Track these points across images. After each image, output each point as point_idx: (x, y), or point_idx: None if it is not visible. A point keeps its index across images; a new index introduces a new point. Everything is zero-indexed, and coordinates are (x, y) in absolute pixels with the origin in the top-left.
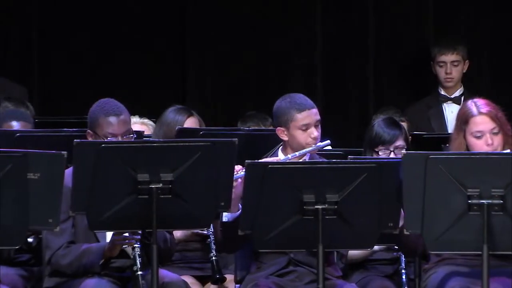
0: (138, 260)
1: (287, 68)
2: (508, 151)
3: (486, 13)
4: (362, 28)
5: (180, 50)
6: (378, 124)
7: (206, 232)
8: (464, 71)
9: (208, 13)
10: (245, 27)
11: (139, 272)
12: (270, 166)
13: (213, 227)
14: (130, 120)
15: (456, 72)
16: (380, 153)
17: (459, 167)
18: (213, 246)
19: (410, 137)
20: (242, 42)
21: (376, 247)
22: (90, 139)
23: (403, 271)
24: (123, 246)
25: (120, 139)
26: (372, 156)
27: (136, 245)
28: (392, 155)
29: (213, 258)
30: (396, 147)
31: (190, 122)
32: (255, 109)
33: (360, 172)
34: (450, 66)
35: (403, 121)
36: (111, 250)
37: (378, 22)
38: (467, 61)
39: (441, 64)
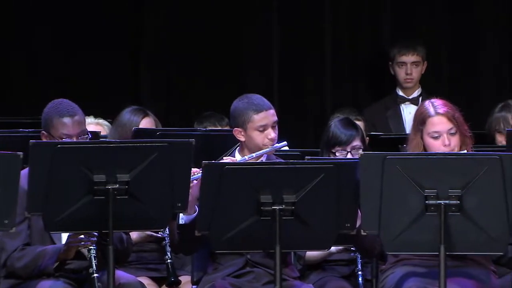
0: (94, 262)
1: (244, 69)
2: (465, 151)
3: (442, 13)
4: (319, 28)
5: (134, 50)
6: (335, 124)
7: (161, 235)
8: (423, 72)
9: (163, 13)
10: (200, 26)
11: (95, 275)
12: (227, 166)
13: (169, 228)
14: (84, 121)
15: (416, 73)
16: (337, 153)
17: (416, 168)
18: (168, 249)
19: (367, 137)
20: (197, 42)
21: (333, 248)
22: (44, 140)
23: (359, 272)
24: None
25: (75, 139)
26: (329, 156)
27: (92, 247)
28: (349, 156)
29: (168, 261)
30: (353, 148)
31: (146, 123)
32: (211, 109)
33: (317, 172)
34: (411, 66)
35: (359, 121)
36: (66, 252)
37: (335, 22)
38: (425, 62)
39: (401, 64)
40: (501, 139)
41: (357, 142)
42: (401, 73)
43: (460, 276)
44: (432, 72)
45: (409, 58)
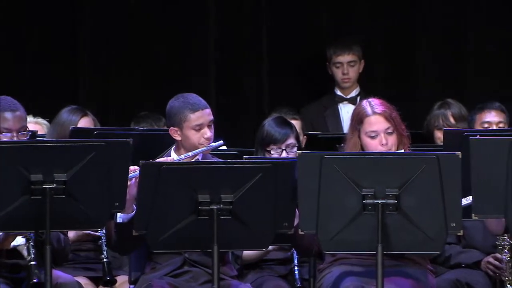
0: (32, 251)
1: (181, 68)
2: (402, 151)
3: (380, 12)
4: (257, 28)
5: (72, 50)
6: (269, 123)
7: (98, 233)
8: (360, 71)
9: (100, 14)
10: (137, 27)
11: (32, 262)
12: (164, 166)
13: (106, 228)
14: (26, 117)
15: (352, 73)
16: (272, 152)
17: (353, 167)
18: (105, 248)
19: (305, 136)
20: (133, 43)
21: (270, 247)
22: None
23: (296, 268)
24: (17, 245)
25: (15, 135)
26: (264, 155)
27: (30, 236)
28: (284, 154)
29: (104, 260)
30: (288, 146)
31: (84, 122)
32: (148, 109)
33: (255, 172)
34: (347, 66)
35: (296, 120)
36: (3, 242)
37: (272, 22)
38: (362, 61)
39: (338, 65)
40: (440, 136)
41: (291, 140)
42: (338, 73)
43: (397, 276)
44: (370, 72)
45: (345, 58)
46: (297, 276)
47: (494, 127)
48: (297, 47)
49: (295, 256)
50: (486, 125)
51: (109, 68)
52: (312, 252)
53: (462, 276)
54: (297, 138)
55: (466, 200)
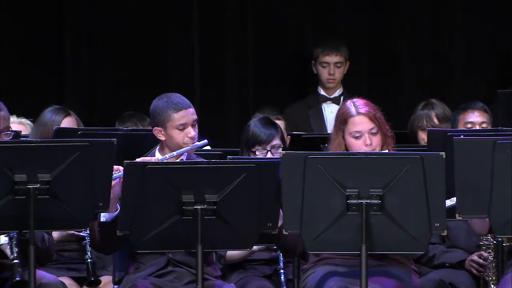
0: (15, 250)
1: (165, 68)
2: (387, 151)
3: (363, 12)
4: (241, 28)
5: (57, 50)
6: (254, 124)
7: (82, 234)
8: (345, 72)
9: (85, 13)
10: (122, 26)
11: (16, 261)
12: (148, 166)
13: (89, 228)
14: (9, 117)
15: (338, 73)
16: (257, 152)
17: (337, 167)
18: (89, 248)
19: (288, 136)
20: (118, 42)
21: (255, 247)
22: None
23: (281, 271)
24: (0, 244)
25: None
26: (249, 156)
27: (13, 235)
28: (269, 155)
29: (88, 260)
30: (273, 147)
31: (67, 122)
32: (133, 109)
33: (239, 172)
34: (333, 67)
35: (279, 120)
36: None
37: (257, 21)
38: (348, 62)
39: (324, 65)
40: (424, 136)
41: (277, 141)
42: (324, 73)
43: (381, 276)
44: (354, 71)
45: (332, 58)
46: (282, 280)
47: (477, 127)
48: (281, 47)
49: (281, 258)
50: (469, 126)
51: (94, 68)
52: (296, 252)
53: (446, 276)
54: (282, 139)
55: (450, 201)
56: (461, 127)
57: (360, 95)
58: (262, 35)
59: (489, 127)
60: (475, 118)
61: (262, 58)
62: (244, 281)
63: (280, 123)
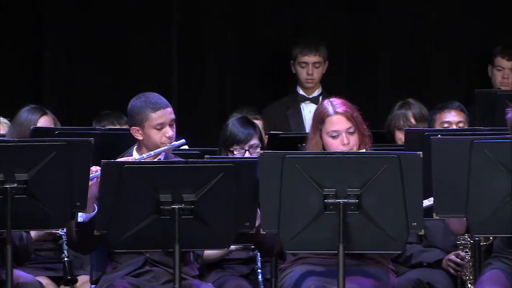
0: None
1: (143, 67)
2: (364, 150)
3: (343, 13)
4: (220, 27)
5: (35, 49)
6: (232, 123)
7: (59, 233)
8: (324, 71)
9: (62, 12)
10: (99, 26)
11: None
12: (126, 165)
13: (67, 227)
14: None
15: (317, 73)
16: (235, 152)
17: (315, 167)
18: (65, 247)
19: (266, 136)
20: (96, 42)
21: (232, 247)
22: None
23: (259, 270)
24: None
25: None
26: (227, 155)
27: None
28: (247, 154)
29: (65, 259)
30: (251, 146)
31: (44, 121)
32: (110, 108)
33: (216, 171)
34: (312, 67)
35: (258, 120)
36: None
37: (236, 21)
38: (326, 61)
39: (303, 64)
40: (401, 136)
41: (255, 141)
42: (302, 73)
43: (358, 275)
44: (333, 71)
45: (311, 58)
46: (260, 279)
47: (454, 127)
48: (260, 47)
49: (258, 257)
50: (446, 125)
51: (72, 67)
52: (274, 251)
53: (423, 275)
54: (260, 138)
55: (428, 201)
56: (437, 126)
57: (338, 94)
58: (241, 35)
59: (466, 127)
60: (452, 118)
61: (241, 58)
62: (222, 281)
63: (259, 122)
